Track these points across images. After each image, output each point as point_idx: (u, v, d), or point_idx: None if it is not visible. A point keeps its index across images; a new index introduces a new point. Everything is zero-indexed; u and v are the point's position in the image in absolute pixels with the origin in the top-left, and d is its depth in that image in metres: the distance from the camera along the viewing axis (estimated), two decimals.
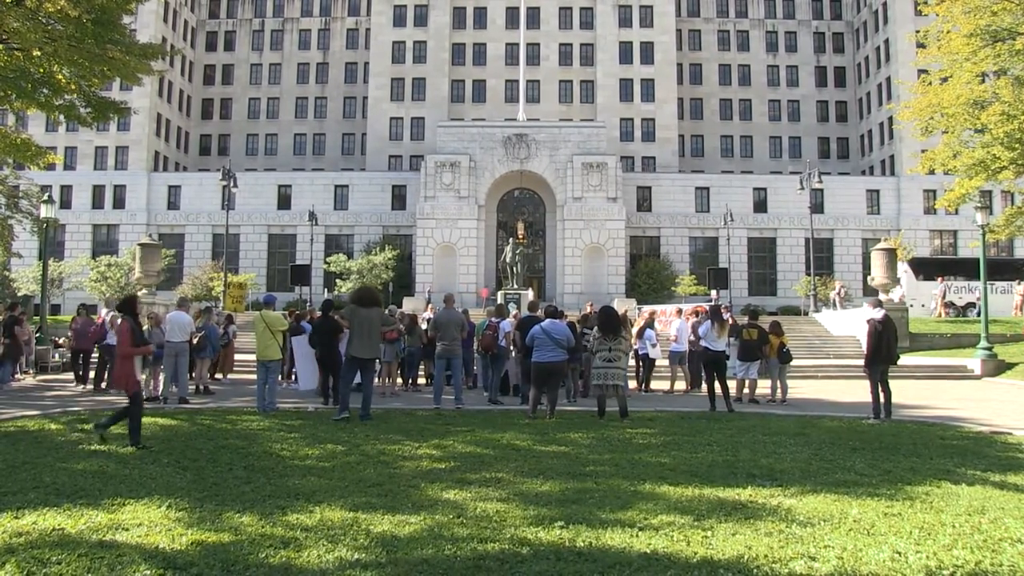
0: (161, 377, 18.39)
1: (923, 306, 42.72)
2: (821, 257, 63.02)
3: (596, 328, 15.43)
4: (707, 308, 20.93)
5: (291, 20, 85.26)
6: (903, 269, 46.27)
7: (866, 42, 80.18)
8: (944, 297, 46.76)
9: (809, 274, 51.85)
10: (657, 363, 22.29)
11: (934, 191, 60.82)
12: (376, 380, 18.92)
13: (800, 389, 21.71)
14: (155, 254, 34.49)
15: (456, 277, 60.95)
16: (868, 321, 15.66)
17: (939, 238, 68.35)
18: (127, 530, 6.68)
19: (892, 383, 15.54)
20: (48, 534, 6.56)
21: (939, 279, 47.88)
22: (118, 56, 22.14)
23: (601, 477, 9.02)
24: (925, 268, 45.69)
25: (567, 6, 79.88)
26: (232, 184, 46.85)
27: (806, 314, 45.71)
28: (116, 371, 11.15)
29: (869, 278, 36.66)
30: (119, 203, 70.52)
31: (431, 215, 62.12)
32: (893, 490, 8.43)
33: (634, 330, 20.65)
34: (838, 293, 47.23)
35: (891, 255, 35.06)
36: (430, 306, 29.92)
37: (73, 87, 23.57)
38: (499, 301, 35.31)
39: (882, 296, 34.37)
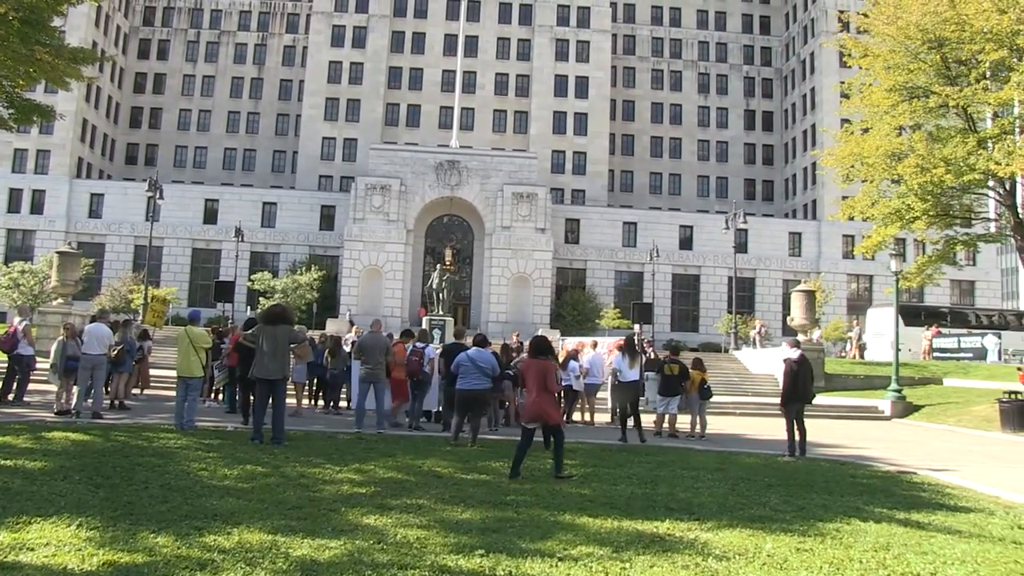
0: (75, 390, 17.83)
1: (910, 350, 44.02)
2: (743, 296, 64.30)
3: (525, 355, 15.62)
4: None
5: (227, 33, 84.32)
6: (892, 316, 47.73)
7: (793, 89, 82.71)
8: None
9: (731, 312, 52.88)
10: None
11: (853, 236, 62.96)
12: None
13: (719, 425, 22.08)
14: (74, 263, 33.58)
15: (381, 301, 60.61)
16: (784, 360, 16.07)
17: (856, 282, 70.50)
18: (32, 550, 6.48)
19: (808, 422, 15.92)
20: None
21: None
22: (46, 58, 21.68)
23: (522, 506, 9.08)
24: (911, 315, 47.33)
25: (505, 37, 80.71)
26: (158, 195, 45.95)
27: (727, 351, 46.58)
28: (537, 405, 11.63)
29: (789, 318, 37.56)
30: (37, 208, 68.42)
31: (359, 237, 61.79)
32: (806, 526, 8.67)
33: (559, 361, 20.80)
34: (758, 332, 48.27)
35: (810, 297, 36.03)
36: (355, 328, 29.64)
37: None
38: (423, 327, 35.15)
39: (801, 336, 35.23)
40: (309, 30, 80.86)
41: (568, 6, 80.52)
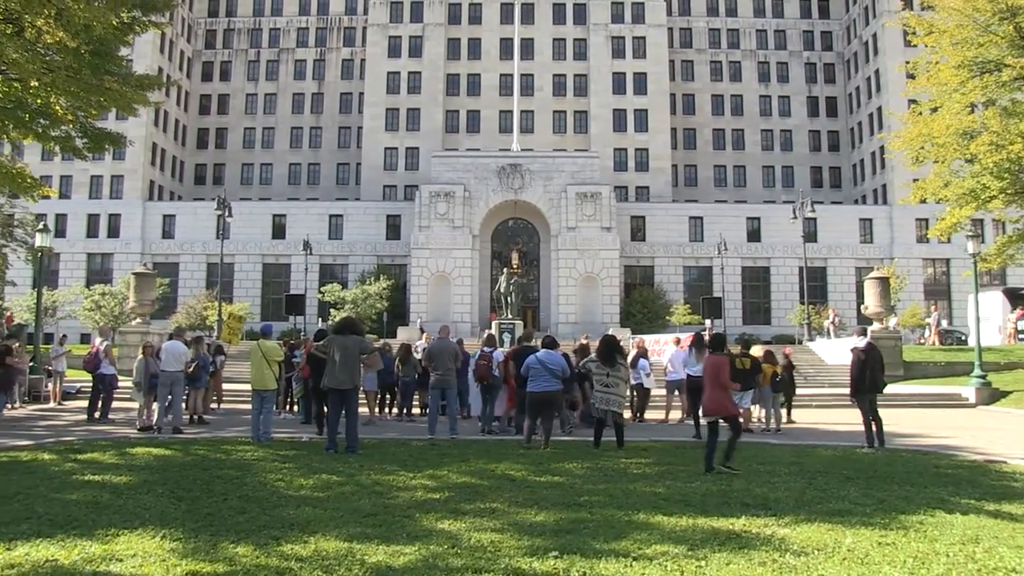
0: (155, 407, 18.31)
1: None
2: (815, 286, 63.03)
3: (595, 355, 15.65)
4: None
5: (286, 51, 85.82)
6: (999, 299, 46.42)
7: (857, 73, 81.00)
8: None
9: (803, 303, 51.96)
10: (653, 392, 22.37)
11: (927, 220, 61.19)
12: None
13: (794, 418, 21.69)
14: (150, 283, 34.47)
15: (451, 307, 60.91)
16: (852, 350, 15.76)
17: (932, 266, 68.67)
18: (121, 561, 6.68)
19: (886, 412, 15.57)
20: (41, 565, 6.56)
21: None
22: (115, 87, 22.29)
23: (596, 507, 9.03)
24: (1019, 298, 46.11)
25: (561, 37, 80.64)
26: (227, 213, 46.90)
27: (800, 343, 45.73)
28: (712, 399, 12.11)
29: (863, 306, 36.76)
30: (114, 232, 70.56)
31: (425, 245, 62.24)
32: (887, 519, 8.45)
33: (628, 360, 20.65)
34: (832, 322, 47.27)
35: (884, 284, 35.21)
36: (425, 335, 29.86)
37: (70, 118, 23.68)
38: (492, 331, 35.24)
39: (876, 324, 34.48)
40: (366, 43, 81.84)
41: (622, 3, 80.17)
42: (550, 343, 16.20)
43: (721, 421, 12.18)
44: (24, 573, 6.36)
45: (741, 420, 12.44)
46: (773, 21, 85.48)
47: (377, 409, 21.87)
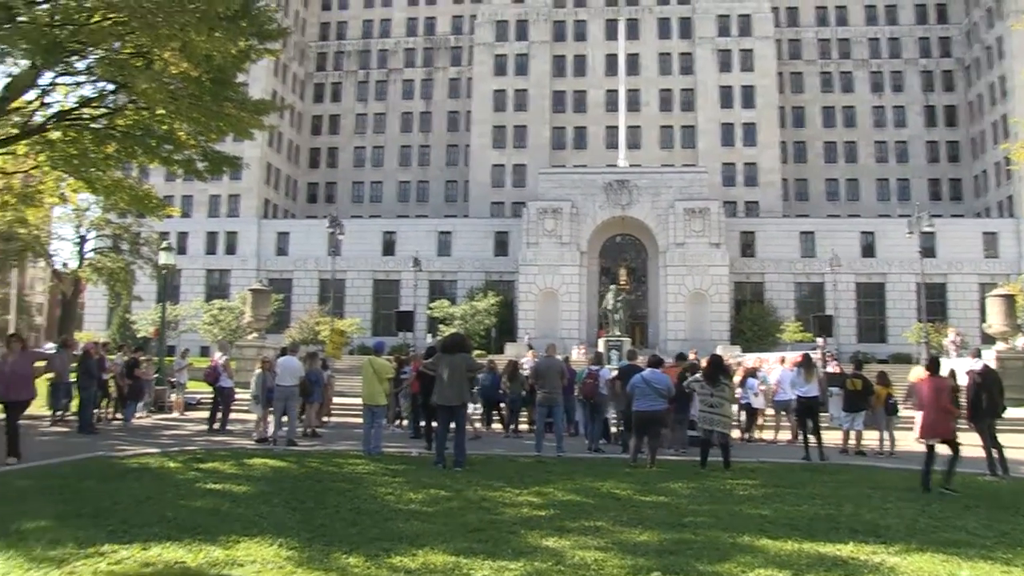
0: (271, 419, 18.96)
1: None
2: (934, 303, 60.71)
3: (699, 375, 15.60)
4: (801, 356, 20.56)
5: (395, 71, 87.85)
6: None
7: (979, 79, 77.83)
8: None
9: (921, 321, 50.13)
10: (765, 412, 22.09)
11: None
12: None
13: (909, 441, 20.93)
14: (265, 299, 35.68)
15: (558, 323, 60.97)
16: (968, 373, 15.26)
17: None
18: (242, 566, 7.07)
19: (1014, 437, 14.92)
20: (171, 566, 7.03)
21: None
22: (233, 112, 23.24)
23: (700, 528, 9.01)
24: None
25: (666, 52, 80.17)
26: (339, 231, 48.16)
27: (918, 362, 44.13)
28: (933, 421, 12.61)
29: (985, 325, 35.27)
30: (231, 249, 73.36)
31: (533, 261, 62.56)
32: (1011, 554, 8.10)
33: (736, 379, 20.40)
34: (953, 341, 45.44)
35: (1009, 301, 33.70)
36: (531, 352, 30.05)
37: (192, 143, 24.81)
38: (599, 348, 35.17)
39: (1001, 344, 33.02)
40: (473, 61, 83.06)
41: (728, 16, 79.20)
42: (655, 362, 16.15)
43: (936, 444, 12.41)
44: (158, 572, 6.86)
45: (959, 443, 12.62)
46: (887, 29, 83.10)
47: (483, 425, 22.17)
